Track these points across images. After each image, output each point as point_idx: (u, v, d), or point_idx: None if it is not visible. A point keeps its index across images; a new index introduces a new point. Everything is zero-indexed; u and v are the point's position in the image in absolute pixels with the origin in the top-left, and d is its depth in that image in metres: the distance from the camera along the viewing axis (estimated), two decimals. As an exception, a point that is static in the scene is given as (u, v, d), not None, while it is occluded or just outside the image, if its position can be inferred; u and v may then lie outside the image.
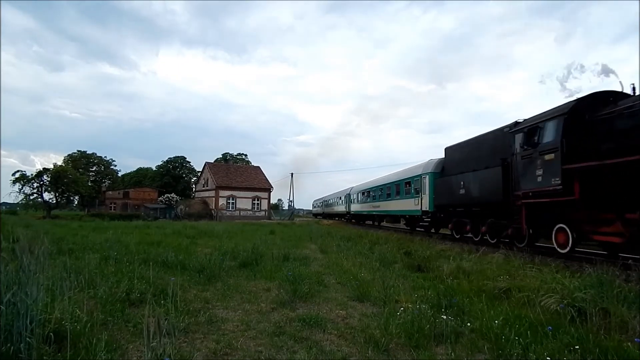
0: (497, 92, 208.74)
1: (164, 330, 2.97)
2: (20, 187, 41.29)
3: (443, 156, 15.89)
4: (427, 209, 16.28)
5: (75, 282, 4.76)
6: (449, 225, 14.77)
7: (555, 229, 9.01)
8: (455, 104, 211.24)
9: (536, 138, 9.30)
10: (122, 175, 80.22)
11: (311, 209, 67.84)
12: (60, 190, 43.78)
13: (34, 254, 3.13)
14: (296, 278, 5.85)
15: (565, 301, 4.31)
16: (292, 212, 59.24)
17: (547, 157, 8.85)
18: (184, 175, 74.61)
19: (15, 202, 42.94)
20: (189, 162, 74.80)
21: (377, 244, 12.27)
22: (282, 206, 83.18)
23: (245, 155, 79.97)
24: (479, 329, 3.76)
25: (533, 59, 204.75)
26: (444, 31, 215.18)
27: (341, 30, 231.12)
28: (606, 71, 9.46)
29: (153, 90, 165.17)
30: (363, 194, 28.88)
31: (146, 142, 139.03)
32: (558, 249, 8.91)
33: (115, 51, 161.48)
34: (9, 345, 2.68)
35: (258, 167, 56.15)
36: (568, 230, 8.62)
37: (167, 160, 73.52)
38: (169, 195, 48.20)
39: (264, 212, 48.81)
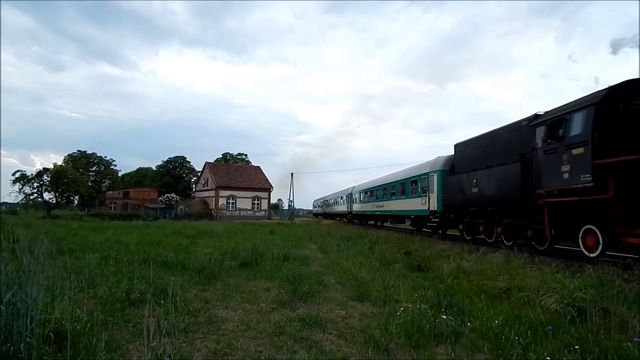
0: (497, 92, 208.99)
1: (164, 330, 2.97)
2: (20, 187, 41.42)
3: (451, 153, 15.10)
4: (435, 209, 15.46)
5: (75, 282, 4.77)
6: (459, 226, 14.08)
7: (582, 230, 8.27)
8: (456, 104, 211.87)
9: (561, 131, 8.49)
10: (122, 175, 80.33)
11: (311, 208, 67.73)
12: (60, 190, 43.82)
13: (34, 254, 3.13)
14: (296, 278, 5.85)
15: (565, 301, 4.32)
16: (292, 212, 59.30)
17: (575, 151, 8.06)
18: (184, 175, 74.64)
19: (15, 202, 43.12)
20: (189, 162, 75.07)
21: (377, 244, 12.27)
22: (282, 206, 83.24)
23: (245, 155, 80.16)
24: (479, 329, 3.76)
25: (533, 59, 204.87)
26: (444, 31, 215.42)
27: (341, 30, 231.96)
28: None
29: (153, 90, 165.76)
30: (366, 193, 27.91)
31: (146, 142, 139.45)
32: (586, 253, 8.15)
33: (115, 51, 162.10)
34: (9, 345, 2.69)
35: (258, 167, 56.17)
36: (598, 232, 7.86)
37: (167, 160, 73.66)
38: (169, 195, 48.15)
39: (264, 212, 48.79)
